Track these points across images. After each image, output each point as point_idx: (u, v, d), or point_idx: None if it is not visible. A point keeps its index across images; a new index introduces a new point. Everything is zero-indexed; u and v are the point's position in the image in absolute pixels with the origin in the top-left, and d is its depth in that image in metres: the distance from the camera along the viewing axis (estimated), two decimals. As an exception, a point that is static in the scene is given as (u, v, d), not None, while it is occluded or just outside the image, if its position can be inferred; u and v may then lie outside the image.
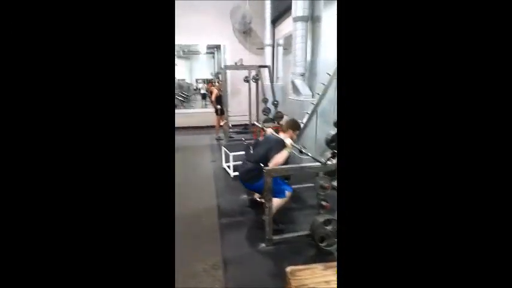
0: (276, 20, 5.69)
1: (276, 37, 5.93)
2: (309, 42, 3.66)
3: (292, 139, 2.19)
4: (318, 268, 1.28)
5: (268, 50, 5.91)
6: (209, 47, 9.99)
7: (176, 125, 6.20)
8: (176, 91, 9.18)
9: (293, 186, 2.31)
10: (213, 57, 10.90)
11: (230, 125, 5.39)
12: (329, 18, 3.39)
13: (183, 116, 6.85)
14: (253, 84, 5.19)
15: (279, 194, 2.07)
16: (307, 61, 3.70)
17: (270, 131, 2.47)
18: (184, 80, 10.09)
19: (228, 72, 5.16)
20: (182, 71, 10.53)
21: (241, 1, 5.96)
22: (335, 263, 1.18)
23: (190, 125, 6.59)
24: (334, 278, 1.16)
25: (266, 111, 4.99)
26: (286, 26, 5.03)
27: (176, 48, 9.62)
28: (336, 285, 1.05)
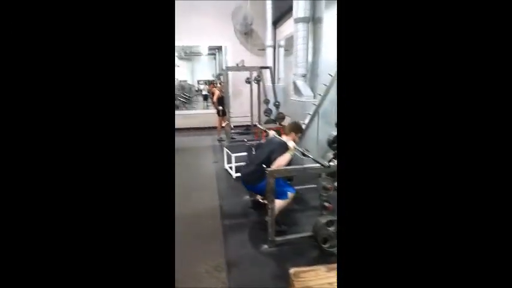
0: (277, 21, 5.70)
1: (277, 38, 5.93)
2: (311, 43, 3.66)
3: (294, 142, 2.19)
4: (321, 270, 1.28)
5: (269, 51, 5.92)
6: (211, 48, 10.02)
7: (178, 126, 6.25)
8: (178, 92, 9.21)
9: (296, 187, 2.31)
10: (215, 58, 10.93)
11: (232, 126, 5.39)
12: (330, 19, 3.39)
13: (184, 117, 6.86)
14: (254, 86, 5.19)
15: (281, 195, 2.07)
16: (308, 62, 3.70)
17: (272, 133, 2.47)
18: (186, 81, 10.13)
19: (230, 73, 5.17)
20: (184, 72, 10.57)
21: (243, 2, 5.98)
22: (339, 265, 1.17)
23: (192, 126, 6.60)
24: (338, 279, 1.15)
25: (268, 112, 5.00)
26: (287, 27, 5.04)
27: (178, 49, 9.67)
28: None
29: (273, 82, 5.19)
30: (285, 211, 2.18)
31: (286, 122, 4.56)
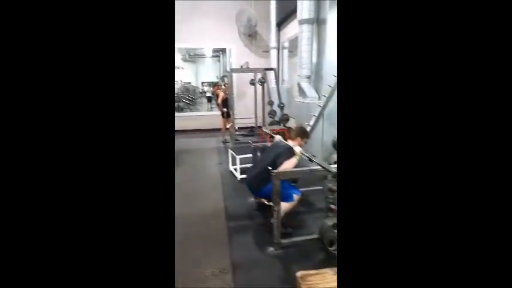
0: (281, 23, 5.71)
1: (281, 40, 5.94)
2: (315, 45, 3.66)
3: (300, 146, 2.18)
4: (328, 273, 1.27)
5: (273, 53, 5.93)
6: (215, 51, 10.07)
7: (182, 128, 6.29)
8: (182, 94, 9.27)
9: (301, 189, 2.29)
10: (219, 60, 10.97)
11: (236, 128, 5.41)
12: (335, 20, 3.38)
13: (189, 119, 6.89)
14: (259, 87, 5.20)
15: (287, 198, 2.06)
16: (313, 63, 3.69)
17: (278, 137, 2.47)
18: (190, 83, 10.17)
19: (234, 75, 5.18)
20: (188, 74, 10.63)
21: (247, 4, 6.00)
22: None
23: (196, 128, 6.63)
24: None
25: (272, 113, 5.00)
26: (292, 29, 5.04)
27: (182, 51, 9.74)
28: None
29: (277, 84, 5.19)
30: (290, 213, 2.17)
31: (291, 123, 4.55)
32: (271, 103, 5.06)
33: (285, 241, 1.98)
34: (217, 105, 6.02)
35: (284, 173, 1.94)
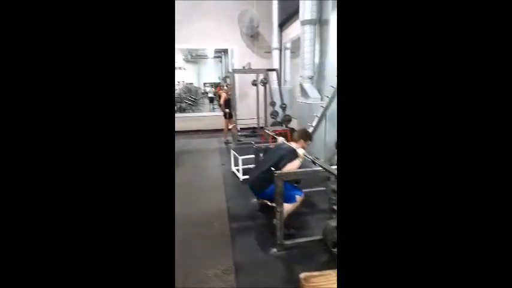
0: (283, 24, 5.71)
1: (283, 40, 5.94)
2: (317, 45, 3.65)
3: (303, 149, 2.18)
4: (331, 275, 1.26)
5: (275, 54, 5.93)
6: (217, 51, 10.09)
7: (184, 129, 6.30)
8: (184, 95, 9.29)
9: (304, 190, 2.29)
10: (221, 61, 10.99)
11: (238, 129, 5.41)
12: (337, 21, 3.38)
13: (191, 120, 6.91)
14: (261, 88, 5.21)
15: (289, 199, 2.06)
16: (315, 64, 3.69)
17: (281, 139, 2.47)
18: (192, 83, 10.21)
19: (236, 75, 5.19)
20: (190, 75, 10.66)
21: (249, 5, 6.01)
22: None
23: (199, 129, 6.64)
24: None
25: (274, 114, 5.00)
26: (294, 30, 5.04)
27: (184, 52, 9.77)
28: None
29: (279, 84, 5.19)
30: (293, 214, 2.16)
31: (293, 124, 4.55)
32: (273, 104, 5.06)
33: (288, 242, 1.98)
34: (220, 106, 6.03)
35: (287, 174, 1.94)
